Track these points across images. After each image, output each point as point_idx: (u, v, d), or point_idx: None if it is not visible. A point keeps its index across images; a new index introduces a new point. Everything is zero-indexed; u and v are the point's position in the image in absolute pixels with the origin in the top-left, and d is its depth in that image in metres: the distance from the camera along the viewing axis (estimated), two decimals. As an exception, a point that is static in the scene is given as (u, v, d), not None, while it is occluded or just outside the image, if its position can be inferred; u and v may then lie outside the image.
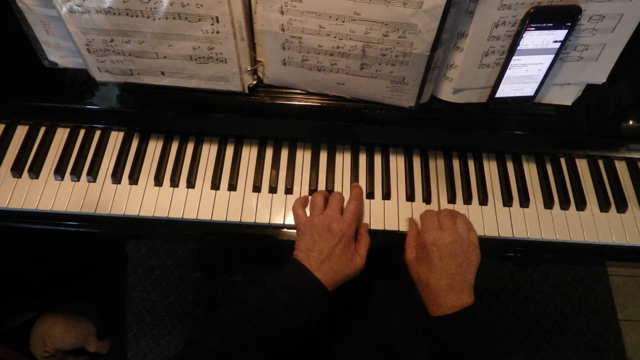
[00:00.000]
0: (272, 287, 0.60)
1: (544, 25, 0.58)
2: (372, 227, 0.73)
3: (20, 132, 0.80)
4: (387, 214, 0.75)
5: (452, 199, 0.76)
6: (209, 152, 0.79)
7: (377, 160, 0.80)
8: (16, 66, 0.75)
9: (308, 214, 0.69)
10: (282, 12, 0.60)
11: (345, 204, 0.70)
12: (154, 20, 0.60)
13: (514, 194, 0.77)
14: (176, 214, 0.74)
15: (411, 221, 0.73)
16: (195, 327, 1.41)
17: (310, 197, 0.71)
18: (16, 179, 0.76)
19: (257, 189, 0.76)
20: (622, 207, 0.76)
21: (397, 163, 0.80)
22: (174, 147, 0.80)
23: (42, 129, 0.80)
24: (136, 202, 0.74)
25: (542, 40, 0.60)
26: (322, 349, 0.83)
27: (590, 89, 0.70)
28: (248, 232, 0.75)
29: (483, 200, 0.76)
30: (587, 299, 1.51)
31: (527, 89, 0.67)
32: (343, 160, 0.79)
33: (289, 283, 0.61)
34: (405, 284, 0.85)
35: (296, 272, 0.62)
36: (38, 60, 0.71)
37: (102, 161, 0.78)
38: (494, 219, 0.75)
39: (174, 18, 0.60)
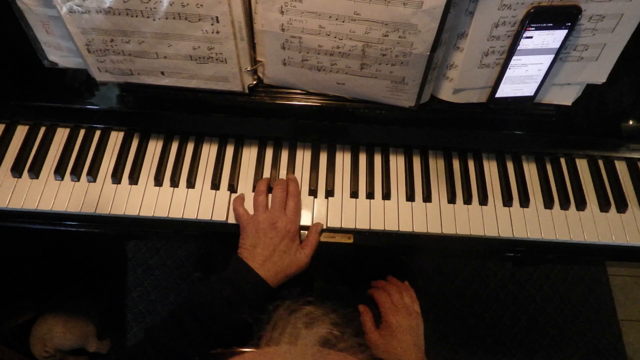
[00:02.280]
0: (216, 283, 0.63)
1: (544, 25, 0.58)
2: (372, 227, 0.73)
3: (20, 132, 0.80)
4: (387, 214, 0.75)
5: (452, 199, 0.76)
6: (209, 152, 0.79)
7: (377, 160, 0.80)
8: (16, 66, 0.75)
9: (250, 211, 0.72)
10: (282, 12, 0.60)
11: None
12: (154, 20, 0.60)
13: (514, 194, 0.77)
14: (176, 214, 0.74)
15: (364, 307, 0.79)
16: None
17: (254, 195, 0.73)
18: (16, 179, 0.76)
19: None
20: (622, 207, 0.76)
21: (397, 163, 0.80)
22: (174, 147, 0.80)
23: (42, 129, 0.80)
24: (136, 202, 0.74)
25: (542, 40, 0.60)
26: None
27: (590, 89, 0.70)
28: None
29: (483, 200, 0.76)
30: (587, 299, 1.51)
31: (527, 89, 0.67)
32: (343, 160, 0.79)
33: (232, 279, 0.64)
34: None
35: (239, 269, 0.65)
36: (38, 60, 0.71)
37: (102, 161, 0.78)
38: (494, 219, 0.75)
39: (174, 18, 0.60)
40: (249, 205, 0.73)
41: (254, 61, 0.68)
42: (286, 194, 0.72)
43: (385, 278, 0.87)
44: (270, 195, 0.73)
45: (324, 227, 0.74)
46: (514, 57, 0.62)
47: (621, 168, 0.80)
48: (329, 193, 0.76)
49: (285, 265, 0.66)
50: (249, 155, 0.80)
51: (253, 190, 0.76)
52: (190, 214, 0.74)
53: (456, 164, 0.80)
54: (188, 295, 0.65)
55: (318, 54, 0.64)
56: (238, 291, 0.62)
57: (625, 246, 0.74)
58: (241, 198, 0.74)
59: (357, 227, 0.74)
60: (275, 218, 0.68)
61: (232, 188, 0.76)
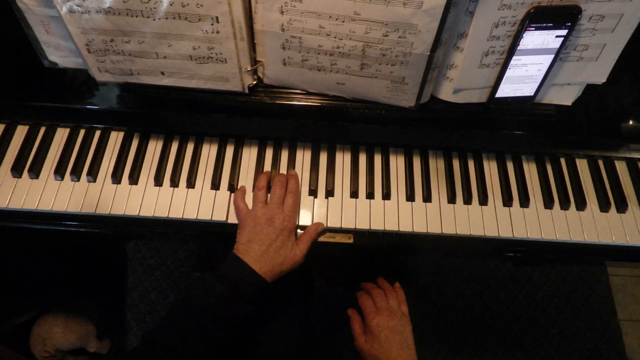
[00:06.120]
0: (210, 281, 0.63)
1: (544, 25, 0.58)
2: (372, 227, 0.73)
3: (20, 132, 0.80)
4: (387, 214, 0.75)
5: (452, 199, 0.76)
6: (209, 152, 0.79)
7: (377, 160, 0.80)
8: (16, 66, 0.75)
9: (250, 206, 0.72)
10: (282, 12, 0.60)
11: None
12: (154, 20, 0.60)
13: (514, 194, 0.77)
14: (176, 214, 0.74)
15: (352, 312, 0.80)
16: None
17: (254, 190, 0.74)
18: (16, 179, 0.76)
19: (257, 189, 0.76)
20: (622, 207, 0.76)
21: (397, 163, 0.80)
22: (174, 147, 0.80)
23: (42, 129, 0.80)
24: (136, 202, 0.74)
25: (542, 40, 0.60)
26: (327, 349, 0.83)
27: (590, 89, 0.70)
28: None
29: (483, 200, 0.76)
30: (587, 299, 1.51)
31: (527, 89, 0.67)
32: (343, 160, 0.79)
33: (227, 276, 0.63)
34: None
35: (234, 265, 0.64)
36: (38, 60, 0.71)
37: (102, 161, 0.78)
38: (494, 219, 0.75)
39: (174, 18, 0.60)
40: (249, 200, 0.73)
41: (254, 61, 0.68)
42: (285, 191, 0.73)
43: (376, 279, 0.86)
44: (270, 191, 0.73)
45: (325, 227, 0.74)
46: (514, 57, 0.62)
47: (621, 168, 0.80)
48: (329, 193, 0.76)
49: (281, 261, 0.67)
50: (249, 155, 0.80)
51: (253, 190, 0.76)
52: (190, 214, 0.74)
53: (456, 164, 0.80)
54: (183, 295, 0.65)
55: (318, 54, 0.64)
56: (232, 287, 0.62)
57: (625, 246, 0.74)
58: (242, 191, 0.74)
59: (357, 227, 0.74)
60: (273, 214, 0.69)
61: (232, 188, 0.76)
